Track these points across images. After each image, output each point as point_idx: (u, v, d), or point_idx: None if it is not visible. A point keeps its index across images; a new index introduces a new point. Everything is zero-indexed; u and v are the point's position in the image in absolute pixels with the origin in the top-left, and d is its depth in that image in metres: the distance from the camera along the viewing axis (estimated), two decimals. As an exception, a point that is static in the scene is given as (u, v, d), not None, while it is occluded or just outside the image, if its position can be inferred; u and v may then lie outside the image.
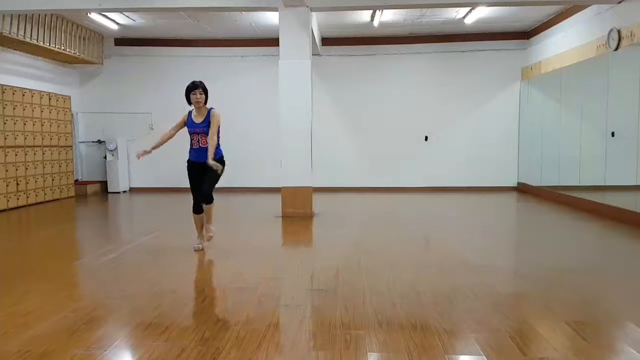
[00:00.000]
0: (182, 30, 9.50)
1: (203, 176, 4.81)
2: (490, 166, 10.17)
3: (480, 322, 2.97)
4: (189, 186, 4.98)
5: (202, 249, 4.95)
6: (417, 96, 10.20)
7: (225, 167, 4.91)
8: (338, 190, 10.02)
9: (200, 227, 5.01)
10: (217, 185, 4.87)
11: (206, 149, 4.74)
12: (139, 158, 4.92)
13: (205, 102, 4.84)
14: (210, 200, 4.88)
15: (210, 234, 5.06)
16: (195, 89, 4.76)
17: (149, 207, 8.74)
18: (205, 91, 4.83)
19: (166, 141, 4.92)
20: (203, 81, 4.84)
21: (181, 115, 4.91)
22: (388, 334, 2.81)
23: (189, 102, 4.82)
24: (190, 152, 4.89)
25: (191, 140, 4.84)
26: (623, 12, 6.62)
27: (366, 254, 4.83)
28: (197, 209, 4.94)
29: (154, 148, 4.93)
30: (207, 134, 4.75)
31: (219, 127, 4.80)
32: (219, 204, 5.21)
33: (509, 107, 10.11)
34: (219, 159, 4.87)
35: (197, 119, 4.81)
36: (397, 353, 2.55)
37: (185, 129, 4.87)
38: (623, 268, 4.37)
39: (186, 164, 4.94)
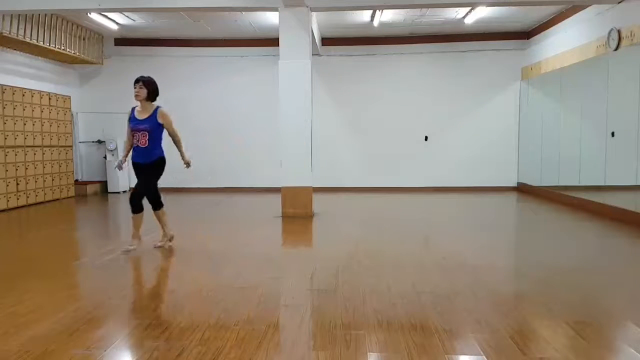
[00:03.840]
0: (182, 30, 9.50)
1: (145, 179, 4.77)
2: (490, 166, 10.17)
3: (480, 322, 2.97)
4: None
5: (132, 250, 4.80)
6: (417, 96, 10.20)
7: (190, 167, 4.90)
8: (338, 190, 10.02)
9: (137, 227, 4.87)
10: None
11: (146, 149, 4.66)
12: (120, 169, 4.97)
13: (151, 99, 4.71)
14: (159, 206, 4.87)
15: (162, 243, 5.01)
16: (136, 82, 4.66)
17: (149, 207, 8.71)
18: (149, 86, 4.67)
19: (130, 148, 4.83)
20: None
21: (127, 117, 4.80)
22: (388, 334, 2.81)
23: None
24: (133, 151, 4.78)
25: (133, 138, 4.70)
26: (623, 12, 6.62)
27: (366, 254, 4.83)
28: (137, 209, 4.81)
29: (125, 157, 4.92)
30: (149, 132, 4.63)
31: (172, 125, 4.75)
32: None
33: (509, 107, 10.11)
34: (159, 159, 4.77)
35: (140, 115, 4.68)
36: (397, 353, 2.55)
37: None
38: (623, 268, 4.37)
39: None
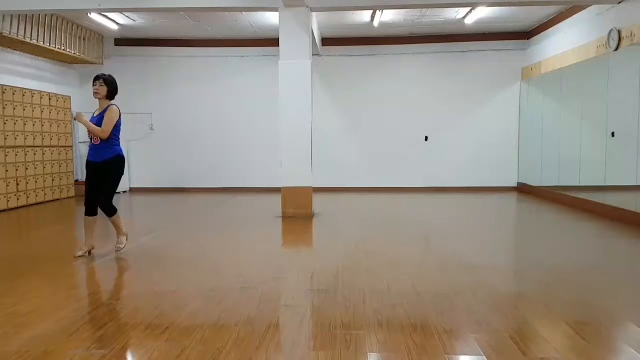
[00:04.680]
0: (182, 30, 9.50)
1: (97, 181, 4.56)
2: (490, 166, 10.17)
3: (480, 322, 2.97)
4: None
5: (84, 256, 4.64)
6: (417, 96, 10.20)
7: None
8: (338, 190, 10.02)
9: (89, 231, 4.69)
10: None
11: (100, 147, 4.50)
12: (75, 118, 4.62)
13: (109, 97, 4.59)
14: (111, 212, 4.64)
15: (120, 245, 4.80)
16: (95, 79, 4.56)
17: (149, 207, 8.72)
18: (109, 84, 4.57)
19: None
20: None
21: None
22: (388, 334, 2.81)
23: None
24: (88, 150, 4.65)
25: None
26: (623, 12, 6.62)
27: (366, 254, 4.83)
28: (89, 211, 4.64)
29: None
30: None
31: (115, 123, 4.51)
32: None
33: (509, 107, 10.11)
34: (115, 157, 4.58)
35: (95, 113, 4.59)
36: (397, 353, 2.55)
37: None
38: (623, 268, 4.37)
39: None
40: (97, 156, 4.56)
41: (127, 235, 4.92)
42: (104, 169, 4.58)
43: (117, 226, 4.81)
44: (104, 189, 4.61)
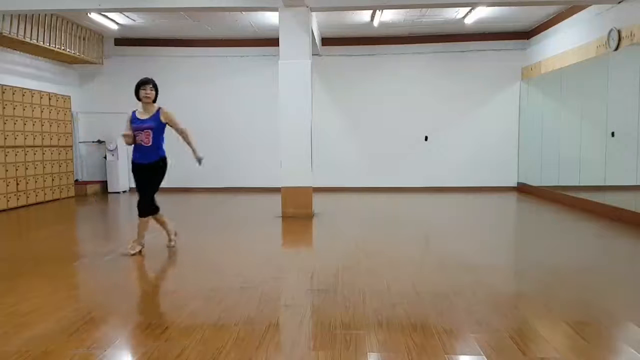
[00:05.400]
0: (182, 30, 9.50)
1: (146, 180, 4.73)
2: (490, 166, 10.17)
3: (480, 322, 2.97)
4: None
5: (136, 254, 4.75)
6: (417, 96, 10.20)
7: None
8: (338, 190, 10.02)
9: (143, 230, 4.82)
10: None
11: (150, 149, 4.66)
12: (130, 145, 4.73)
13: (154, 101, 4.76)
14: (155, 211, 4.80)
15: (172, 244, 5.03)
16: (146, 84, 4.68)
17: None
18: (156, 89, 4.75)
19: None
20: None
21: (127, 119, 4.73)
22: (388, 334, 2.81)
23: (138, 98, 4.71)
24: (134, 152, 4.75)
25: (136, 138, 4.68)
26: (623, 12, 6.62)
27: (366, 254, 4.83)
28: (143, 212, 4.78)
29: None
30: (152, 131, 4.64)
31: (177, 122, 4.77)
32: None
33: (509, 107, 10.11)
34: (161, 158, 4.75)
35: (143, 116, 4.70)
36: (397, 353, 2.55)
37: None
38: (623, 268, 4.37)
39: (131, 165, 4.80)
40: (146, 158, 4.70)
41: (175, 231, 5.12)
42: (153, 169, 4.72)
43: (164, 224, 4.98)
44: (150, 189, 4.76)
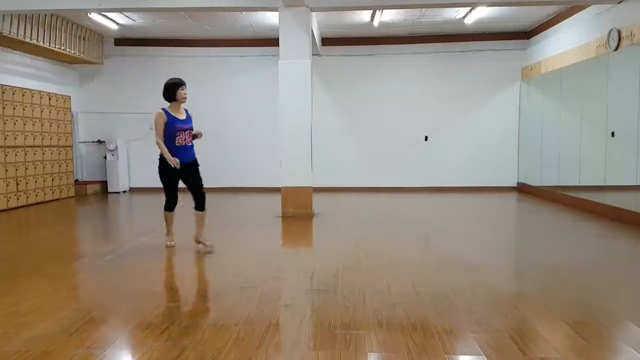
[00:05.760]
0: (182, 30, 9.50)
1: (191, 176, 4.92)
2: (490, 166, 10.17)
3: (480, 322, 2.97)
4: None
5: (173, 246, 5.09)
6: (417, 96, 10.19)
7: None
8: (338, 190, 10.02)
9: (171, 223, 5.14)
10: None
11: (191, 147, 4.89)
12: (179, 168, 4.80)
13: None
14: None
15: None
16: (184, 84, 4.87)
17: (149, 207, 8.71)
18: None
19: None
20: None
21: (162, 121, 4.71)
22: (388, 334, 2.81)
23: (172, 99, 4.79)
24: (176, 153, 4.72)
25: (175, 138, 4.74)
26: (623, 12, 6.62)
27: (366, 254, 4.83)
28: (173, 207, 5.07)
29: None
30: (191, 131, 4.89)
31: None
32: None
33: (509, 107, 10.11)
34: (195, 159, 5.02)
35: (181, 116, 4.84)
36: (397, 353, 2.55)
37: None
38: (623, 268, 4.37)
39: (164, 165, 4.78)
40: (189, 155, 4.90)
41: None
42: (196, 165, 4.99)
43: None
44: (200, 181, 5.02)
